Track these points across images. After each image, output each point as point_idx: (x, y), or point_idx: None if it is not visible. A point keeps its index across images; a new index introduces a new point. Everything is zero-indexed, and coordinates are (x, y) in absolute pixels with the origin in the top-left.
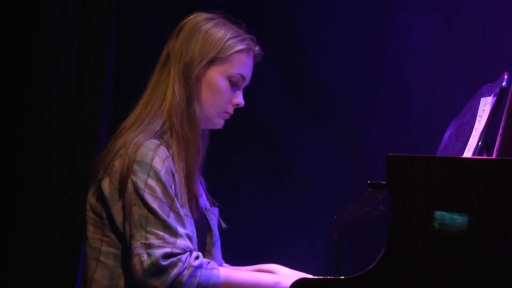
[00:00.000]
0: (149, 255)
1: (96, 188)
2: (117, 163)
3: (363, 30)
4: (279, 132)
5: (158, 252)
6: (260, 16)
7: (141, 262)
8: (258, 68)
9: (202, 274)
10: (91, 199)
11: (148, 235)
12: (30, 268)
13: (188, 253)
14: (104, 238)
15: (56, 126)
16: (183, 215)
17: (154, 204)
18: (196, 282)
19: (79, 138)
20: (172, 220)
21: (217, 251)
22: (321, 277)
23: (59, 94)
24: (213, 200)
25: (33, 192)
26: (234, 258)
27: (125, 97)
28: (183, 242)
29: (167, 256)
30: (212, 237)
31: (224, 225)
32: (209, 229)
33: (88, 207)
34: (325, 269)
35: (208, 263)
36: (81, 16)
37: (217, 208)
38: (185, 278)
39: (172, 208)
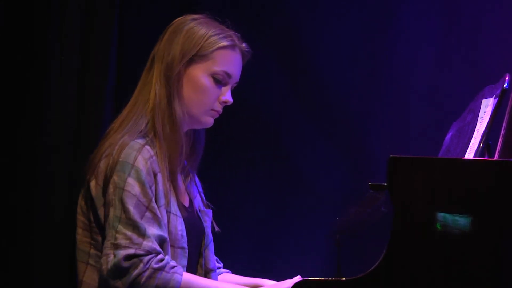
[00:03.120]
0: (114, 255)
1: (85, 190)
2: (102, 164)
3: (364, 30)
4: (281, 133)
5: (122, 253)
6: (260, 16)
7: (107, 262)
8: (259, 68)
9: (162, 276)
10: (81, 201)
11: (117, 235)
12: (30, 268)
13: (153, 255)
14: (93, 242)
15: (57, 127)
16: (159, 216)
17: (130, 203)
18: (154, 284)
19: (81, 139)
20: (145, 220)
21: (210, 253)
22: (322, 278)
23: (60, 95)
24: (208, 203)
25: (34, 192)
26: (235, 259)
27: (127, 98)
28: (149, 244)
29: (129, 257)
30: (205, 239)
31: (217, 229)
32: (203, 231)
33: (78, 210)
34: (326, 270)
35: (172, 267)
36: (83, 16)
37: (211, 210)
38: (143, 279)
39: (148, 208)
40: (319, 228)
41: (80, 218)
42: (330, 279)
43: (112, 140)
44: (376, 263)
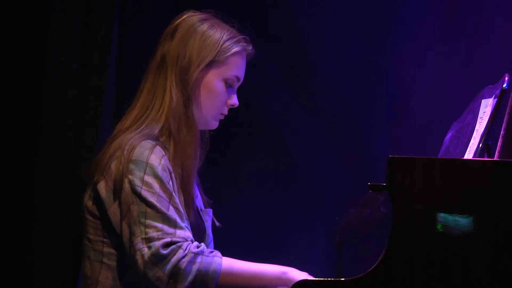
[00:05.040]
0: (148, 247)
1: (92, 191)
2: (113, 165)
3: (364, 31)
4: (281, 133)
5: (158, 243)
6: (260, 17)
7: (142, 255)
8: (260, 69)
9: (203, 260)
10: (87, 202)
11: (147, 229)
12: (30, 269)
13: (189, 241)
14: (105, 240)
15: (57, 127)
16: (182, 211)
17: (152, 199)
18: (196, 268)
19: (80, 139)
20: (171, 212)
21: None
22: (322, 278)
23: (60, 95)
24: (208, 200)
25: (33, 192)
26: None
27: (127, 98)
28: (182, 232)
29: (167, 244)
30: (206, 238)
31: (217, 224)
32: (204, 230)
33: (85, 210)
34: (327, 270)
35: (211, 251)
36: (83, 16)
37: (212, 209)
38: (184, 264)
39: (171, 202)
40: (319, 228)
41: (89, 218)
42: (330, 279)
43: (121, 140)
44: (376, 263)
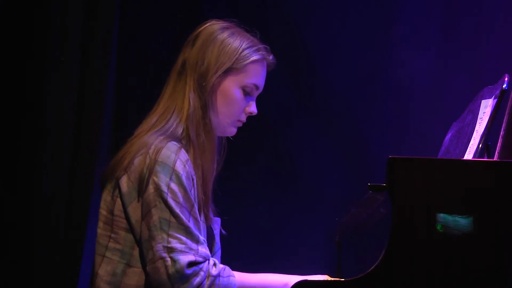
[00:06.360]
0: (173, 260)
1: (113, 186)
2: (136, 161)
3: (365, 31)
4: (281, 134)
5: (183, 259)
6: (261, 18)
7: (166, 266)
8: None
9: (221, 282)
10: (107, 197)
11: (170, 239)
12: (30, 268)
13: (207, 261)
14: (112, 235)
15: (57, 127)
16: (200, 221)
17: (177, 209)
18: None
19: (80, 139)
20: (191, 225)
21: (217, 259)
22: (322, 279)
23: (60, 95)
24: (217, 210)
25: (34, 192)
26: (235, 259)
27: (127, 98)
28: (204, 250)
29: (191, 264)
30: (214, 246)
31: (224, 232)
32: (213, 237)
33: (102, 204)
34: (327, 271)
35: (224, 269)
36: (83, 16)
37: (220, 218)
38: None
39: (191, 213)
40: (319, 228)
41: (103, 212)
42: (329, 279)
43: (147, 140)
44: (375, 264)
